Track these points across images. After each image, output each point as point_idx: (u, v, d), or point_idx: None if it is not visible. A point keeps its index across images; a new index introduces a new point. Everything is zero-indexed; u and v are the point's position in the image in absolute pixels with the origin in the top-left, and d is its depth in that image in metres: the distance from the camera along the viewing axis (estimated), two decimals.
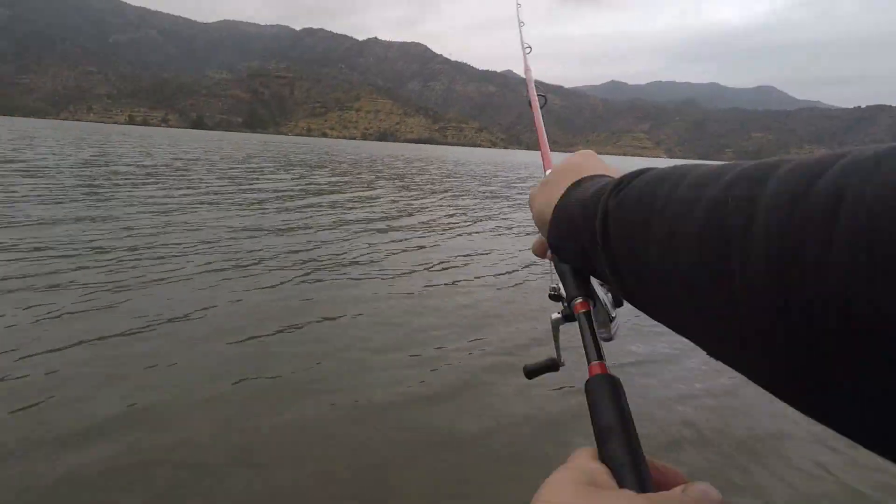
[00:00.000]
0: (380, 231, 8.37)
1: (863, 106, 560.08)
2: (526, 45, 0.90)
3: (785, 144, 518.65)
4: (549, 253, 0.54)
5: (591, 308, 0.47)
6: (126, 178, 13.51)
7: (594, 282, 0.49)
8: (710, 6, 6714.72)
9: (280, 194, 12.60)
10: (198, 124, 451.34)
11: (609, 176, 0.47)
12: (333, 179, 18.49)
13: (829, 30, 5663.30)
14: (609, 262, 0.38)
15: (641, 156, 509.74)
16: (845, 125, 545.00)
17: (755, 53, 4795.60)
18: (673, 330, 0.35)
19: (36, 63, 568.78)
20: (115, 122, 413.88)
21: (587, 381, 0.39)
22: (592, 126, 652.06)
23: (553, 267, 0.54)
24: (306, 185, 15.72)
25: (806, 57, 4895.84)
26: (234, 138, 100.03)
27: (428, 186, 18.06)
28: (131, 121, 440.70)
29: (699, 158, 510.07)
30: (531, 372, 0.53)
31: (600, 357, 0.41)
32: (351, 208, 11.12)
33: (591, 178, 0.47)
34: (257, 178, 16.41)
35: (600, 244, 0.39)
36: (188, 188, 12.36)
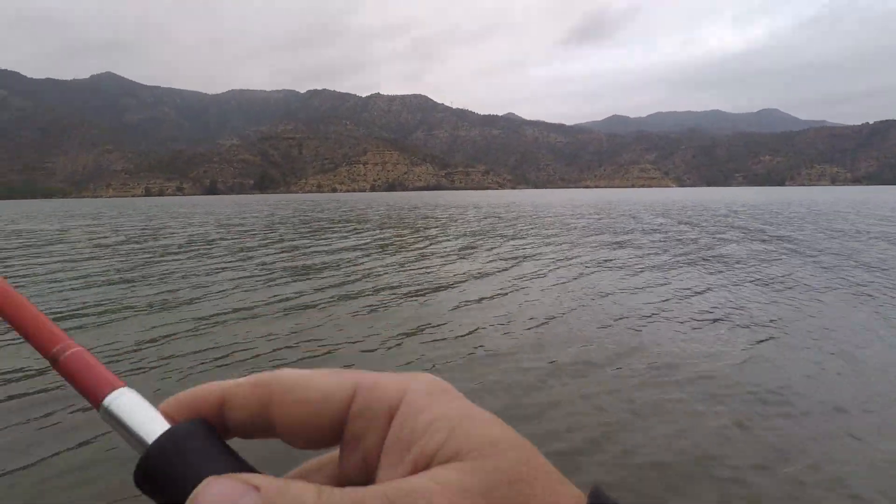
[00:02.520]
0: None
1: (871, 122, 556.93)
2: None
3: (796, 165, 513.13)
4: None
5: None
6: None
7: None
8: (710, 34, 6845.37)
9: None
10: (211, 190, 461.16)
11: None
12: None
13: (830, 49, 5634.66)
14: None
15: (650, 187, 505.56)
16: (856, 142, 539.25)
17: (755, 78, 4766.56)
18: None
19: (56, 147, 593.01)
20: (133, 196, 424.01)
21: None
22: (599, 160, 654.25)
23: None
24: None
25: (808, 77, 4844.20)
26: (247, 201, 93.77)
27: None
28: (147, 193, 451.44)
29: (708, 185, 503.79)
30: None
31: None
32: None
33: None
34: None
35: None
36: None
